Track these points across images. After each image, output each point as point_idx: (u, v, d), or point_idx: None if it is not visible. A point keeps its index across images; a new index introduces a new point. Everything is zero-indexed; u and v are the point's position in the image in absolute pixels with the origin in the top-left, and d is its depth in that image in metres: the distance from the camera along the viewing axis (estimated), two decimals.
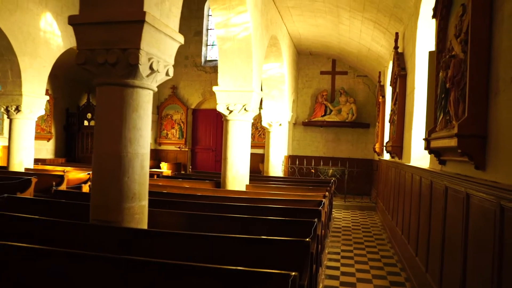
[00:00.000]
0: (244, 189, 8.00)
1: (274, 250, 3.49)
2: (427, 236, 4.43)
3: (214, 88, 8.05)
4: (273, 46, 10.94)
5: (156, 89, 4.26)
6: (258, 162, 14.54)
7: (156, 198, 5.71)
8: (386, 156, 9.87)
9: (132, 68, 3.83)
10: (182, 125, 16.01)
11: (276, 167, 12.05)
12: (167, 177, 9.95)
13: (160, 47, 4.12)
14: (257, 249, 3.51)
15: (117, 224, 3.90)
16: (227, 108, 7.98)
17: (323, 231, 5.65)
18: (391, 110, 8.03)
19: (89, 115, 15.68)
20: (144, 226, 4.16)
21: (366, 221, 10.01)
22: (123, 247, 3.71)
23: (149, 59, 3.96)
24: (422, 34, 6.15)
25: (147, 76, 4.01)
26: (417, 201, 5.21)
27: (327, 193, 6.91)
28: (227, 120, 8.07)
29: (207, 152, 16.02)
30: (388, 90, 10.37)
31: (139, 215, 4.06)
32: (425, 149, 4.13)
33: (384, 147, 8.64)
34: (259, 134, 14.93)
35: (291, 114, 13.17)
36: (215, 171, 15.88)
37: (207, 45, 16.24)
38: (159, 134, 16.25)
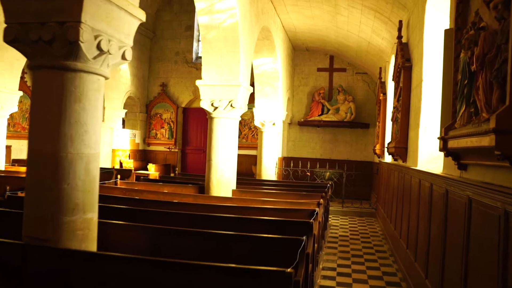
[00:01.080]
0: (229, 194, 7.19)
1: (251, 283, 2.68)
2: (440, 258, 3.63)
3: (197, 82, 7.25)
4: (265, 39, 10.14)
5: (108, 75, 3.42)
6: (251, 164, 13.74)
7: (121, 207, 4.90)
8: (388, 159, 9.08)
9: (73, 47, 3.02)
10: (172, 124, 15.20)
11: (269, 170, 11.24)
12: (149, 180, 9.14)
13: (111, 23, 3.30)
14: (232, 281, 2.71)
15: (53, 243, 3.09)
16: (212, 105, 7.17)
17: (316, 245, 4.84)
18: (394, 108, 7.23)
19: None
20: (92, 245, 3.34)
21: (365, 229, 9.20)
22: (55, 277, 2.90)
23: (96, 37, 3.14)
24: (430, 19, 5.35)
25: (94, 58, 3.19)
26: (426, 212, 4.41)
27: (321, 200, 6.10)
28: (211, 118, 7.27)
29: (198, 153, 15.21)
30: (390, 86, 9.58)
31: (83, 231, 3.24)
32: (441, 150, 3.32)
33: (386, 149, 7.83)
34: (253, 134, 14.13)
35: (286, 113, 12.38)
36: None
37: (198, 40, 15.43)
38: (147, 134, 15.42)
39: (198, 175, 10.79)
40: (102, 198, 5.86)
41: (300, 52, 14.15)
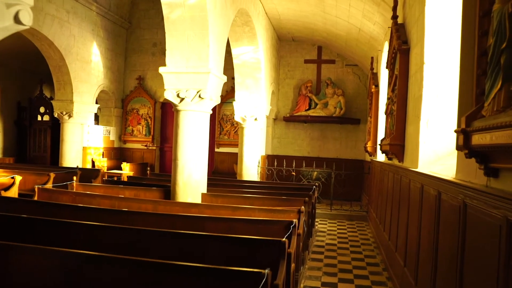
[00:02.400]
0: (198, 199, 6.20)
1: None
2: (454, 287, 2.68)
3: (161, 70, 6.24)
4: (245, 26, 9.15)
5: None
6: (233, 163, 12.76)
7: (43, 218, 3.89)
8: (381, 157, 8.15)
9: None
10: (149, 120, 14.14)
11: (251, 169, 10.26)
12: (111, 182, 8.09)
13: None
14: None
15: None
16: (178, 95, 6.18)
17: (293, 264, 3.88)
18: (388, 99, 6.29)
19: (42, 109, 13.74)
20: None
21: (355, 235, 8.26)
22: None
23: None
24: None
25: None
26: (430, 225, 3.46)
27: (303, 207, 5.13)
28: (177, 111, 6.28)
29: None
30: (383, 77, 8.65)
31: None
32: (460, 148, 2.36)
33: (379, 146, 6.88)
34: (235, 130, 13.13)
35: (270, 108, 11.40)
36: None
37: None
38: (123, 130, 14.34)
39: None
40: (26, 206, 4.84)
41: (286, 43, 13.17)
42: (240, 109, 10.19)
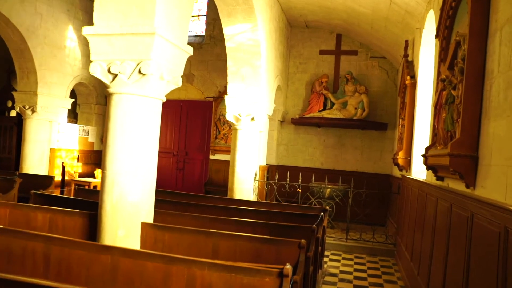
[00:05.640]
0: (135, 232, 3.95)
1: None
2: None
3: (84, 31, 4.03)
4: None
5: None
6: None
7: None
8: (420, 174, 5.79)
9: None
10: None
11: (245, 183, 7.97)
12: (41, 196, 5.80)
13: None
14: None
15: None
16: (109, 71, 3.97)
17: None
18: (442, 81, 3.87)
19: (9, 103, 11.76)
20: None
21: (379, 281, 5.89)
22: None
23: None
24: None
25: None
26: None
27: (288, 269, 2.80)
28: (109, 94, 4.06)
29: (166, 156, 12.01)
30: (424, 63, 6.30)
31: None
32: None
33: (422, 158, 4.43)
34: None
35: (274, 106, 9.10)
36: (175, 182, 11.89)
37: None
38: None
39: None
40: None
41: (298, 30, 10.87)
42: (233, 106, 7.94)
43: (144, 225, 4.03)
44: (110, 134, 4.02)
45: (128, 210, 3.96)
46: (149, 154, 4.16)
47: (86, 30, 4.02)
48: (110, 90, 4.01)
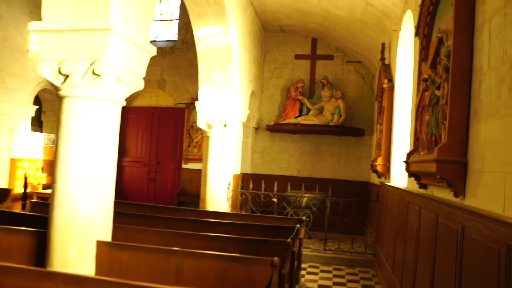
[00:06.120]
0: (89, 251, 3.53)
1: None
2: None
3: (32, 26, 3.61)
4: None
5: None
6: None
7: None
8: (400, 181, 5.54)
9: None
10: None
11: (218, 193, 7.58)
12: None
13: None
14: None
15: None
16: (60, 71, 3.56)
17: None
18: (424, 81, 3.59)
19: None
20: None
21: None
22: None
23: None
24: None
25: None
26: None
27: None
28: (60, 98, 3.64)
29: (137, 166, 11.50)
30: (400, 70, 6.08)
31: None
32: None
33: (406, 165, 4.11)
34: None
35: (248, 113, 8.77)
36: (147, 193, 11.39)
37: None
38: None
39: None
40: None
41: (273, 34, 10.61)
42: (205, 112, 7.57)
43: (99, 244, 3.61)
44: (62, 142, 3.60)
45: (81, 227, 3.53)
46: (106, 164, 3.75)
47: (33, 25, 3.60)
48: (62, 93, 3.59)
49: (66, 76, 3.55)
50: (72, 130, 3.56)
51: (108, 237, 3.79)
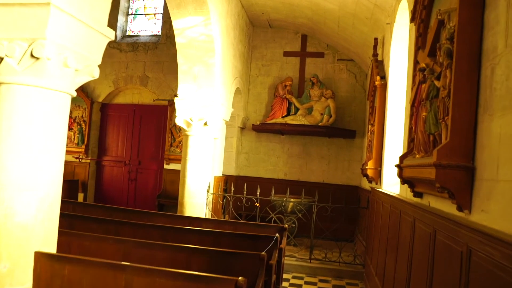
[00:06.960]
0: (26, 263, 2.98)
1: None
2: None
3: None
4: None
5: None
6: None
7: None
8: (391, 186, 5.04)
9: None
10: (83, 125, 10.92)
11: (197, 197, 7.04)
12: None
13: None
14: None
15: None
16: None
17: None
18: (420, 71, 3.08)
19: None
20: None
21: None
22: None
23: None
24: None
25: None
26: None
27: None
28: None
29: (118, 165, 10.93)
30: (393, 66, 5.59)
31: None
32: None
33: (398, 169, 3.58)
34: None
35: (231, 111, 8.24)
36: (127, 194, 10.82)
37: (127, 14, 11.34)
38: None
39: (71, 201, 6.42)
40: None
41: (261, 30, 10.10)
42: (184, 109, 7.04)
43: (37, 256, 3.05)
44: None
45: (16, 236, 2.98)
46: (50, 162, 3.19)
47: None
48: None
49: (1, 59, 3.01)
50: (6, 122, 3.00)
51: (52, 247, 3.24)
